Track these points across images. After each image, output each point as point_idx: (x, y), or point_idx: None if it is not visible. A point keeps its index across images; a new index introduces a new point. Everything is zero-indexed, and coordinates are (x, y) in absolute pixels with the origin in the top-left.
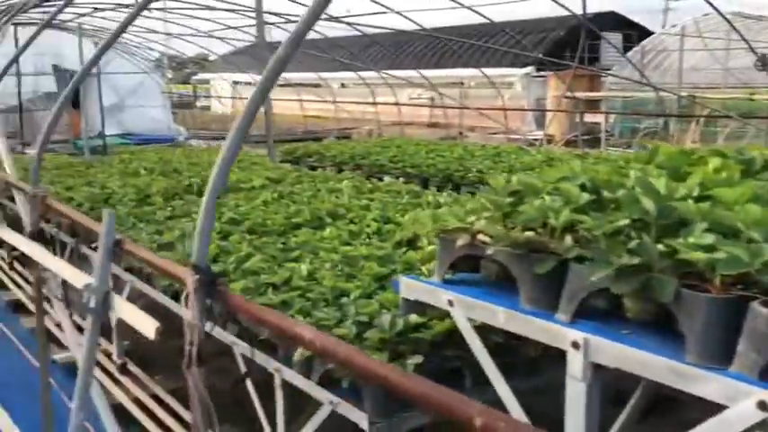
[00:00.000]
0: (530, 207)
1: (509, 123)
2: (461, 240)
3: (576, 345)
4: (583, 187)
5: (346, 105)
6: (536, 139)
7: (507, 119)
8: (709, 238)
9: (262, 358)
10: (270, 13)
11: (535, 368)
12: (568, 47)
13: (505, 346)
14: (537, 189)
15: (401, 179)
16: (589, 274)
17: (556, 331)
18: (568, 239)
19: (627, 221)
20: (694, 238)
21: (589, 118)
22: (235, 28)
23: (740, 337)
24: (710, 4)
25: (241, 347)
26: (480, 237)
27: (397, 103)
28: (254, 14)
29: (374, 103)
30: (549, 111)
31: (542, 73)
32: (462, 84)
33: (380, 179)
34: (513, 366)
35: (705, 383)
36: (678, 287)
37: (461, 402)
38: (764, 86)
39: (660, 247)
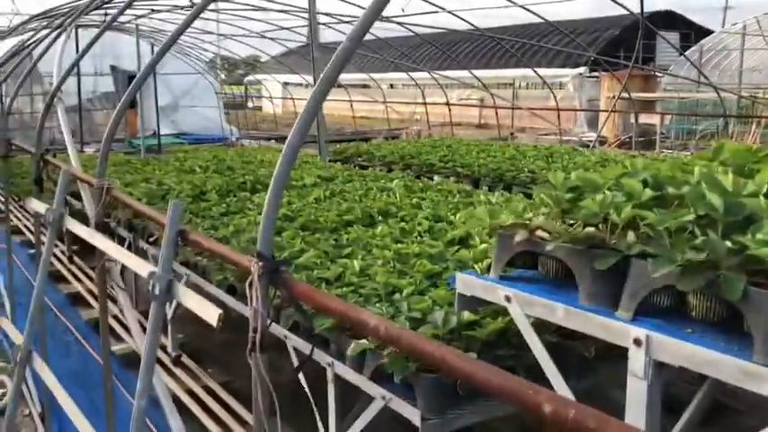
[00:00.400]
0: (591, 202)
1: (560, 124)
2: (520, 236)
3: (638, 342)
4: (645, 183)
5: (395, 106)
6: (589, 141)
7: (559, 120)
8: None
9: (315, 352)
10: (322, 14)
11: (589, 369)
12: (622, 46)
13: (559, 346)
14: (597, 185)
15: (452, 179)
16: (653, 270)
17: (617, 328)
18: (631, 235)
19: (692, 217)
20: (764, 234)
21: (643, 119)
22: (287, 29)
23: None
24: None
25: (294, 341)
26: (539, 233)
27: (447, 103)
28: (306, 15)
29: (424, 104)
30: (604, 111)
31: (595, 73)
32: (513, 84)
33: (430, 179)
34: (566, 366)
35: None
36: (746, 285)
37: (531, 389)
38: None
39: (728, 243)
